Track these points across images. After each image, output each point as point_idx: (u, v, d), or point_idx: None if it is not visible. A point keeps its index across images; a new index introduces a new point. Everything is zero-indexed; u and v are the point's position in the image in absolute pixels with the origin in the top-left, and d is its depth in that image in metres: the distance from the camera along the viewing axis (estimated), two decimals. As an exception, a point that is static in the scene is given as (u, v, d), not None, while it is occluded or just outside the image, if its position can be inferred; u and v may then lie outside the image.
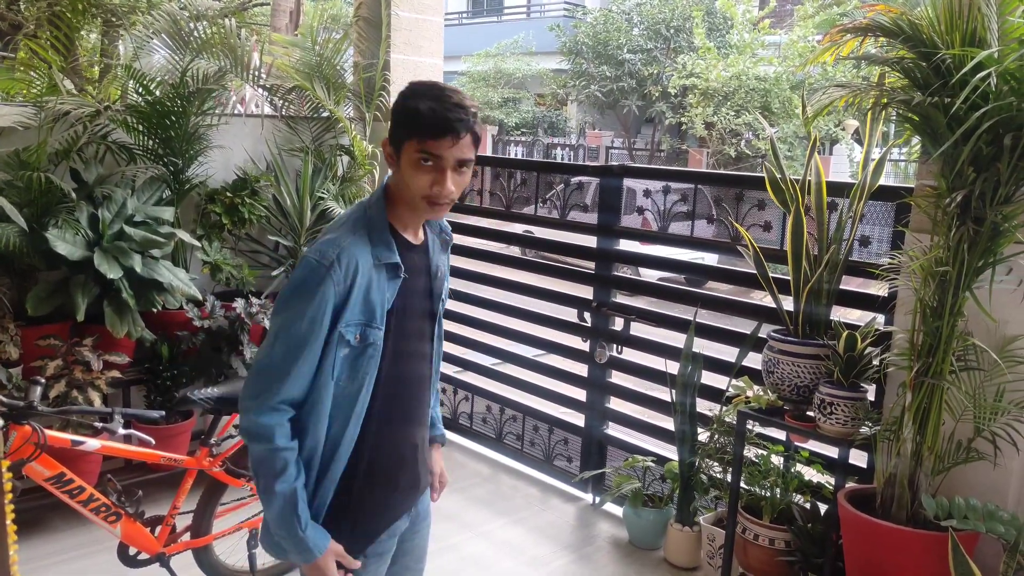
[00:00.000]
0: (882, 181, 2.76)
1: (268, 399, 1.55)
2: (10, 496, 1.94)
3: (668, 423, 3.45)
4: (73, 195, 3.24)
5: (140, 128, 3.57)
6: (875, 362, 2.61)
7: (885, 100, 2.36)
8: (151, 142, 3.61)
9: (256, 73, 4.05)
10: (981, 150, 2.13)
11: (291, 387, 1.55)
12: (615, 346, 3.73)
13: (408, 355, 1.70)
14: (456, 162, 1.54)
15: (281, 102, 4.19)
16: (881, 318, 2.79)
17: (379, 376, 1.63)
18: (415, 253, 1.69)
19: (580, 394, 3.92)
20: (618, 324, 3.72)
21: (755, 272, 2.99)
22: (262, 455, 1.56)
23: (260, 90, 4.16)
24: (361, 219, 1.62)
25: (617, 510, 3.71)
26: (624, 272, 4.25)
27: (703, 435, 3.27)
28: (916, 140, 2.51)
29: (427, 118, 1.50)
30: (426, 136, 1.51)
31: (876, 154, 2.78)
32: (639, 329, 3.66)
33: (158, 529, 2.68)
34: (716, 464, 3.22)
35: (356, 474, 1.65)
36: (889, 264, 2.54)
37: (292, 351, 1.54)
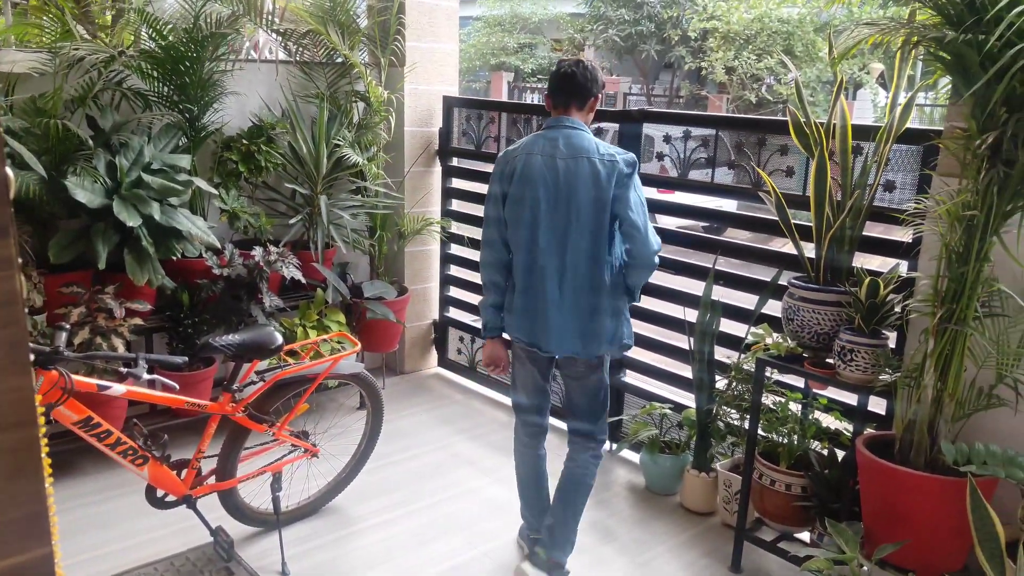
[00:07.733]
0: (908, 125, 2.70)
1: None
2: (43, 430, 1.97)
3: (686, 371, 3.45)
4: (90, 142, 3.24)
5: (154, 74, 3.54)
6: (897, 309, 2.58)
7: (916, 38, 2.28)
8: (166, 88, 3.58)
9: (269, 17, 3.98)
10: (1015, 89, 2.07)
11: None
12: (633, 294, 3.70)
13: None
14: None
15: (295, 47, 4.13)
16: (904, 264, 2.76)
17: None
18: None
19: (598, 342, 3.90)
20: (636, 272, 3.69)
21: (776, 219, 2.95)
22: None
23: (273, 35, 4.09)
24: None
25: (634, 457, 3.74)
26: (642, 219, 4.18)
27: (721, 383, 3.28)
28: (945, 82, 2.44)
29: None
30: None
31: (903, 97, 2.71)
32: (658, 277, 3.63)
33: (184, 472, 2.74)
34: (733, 411, 3.23)
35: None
36: (915, 209, 2.50)
37: None
